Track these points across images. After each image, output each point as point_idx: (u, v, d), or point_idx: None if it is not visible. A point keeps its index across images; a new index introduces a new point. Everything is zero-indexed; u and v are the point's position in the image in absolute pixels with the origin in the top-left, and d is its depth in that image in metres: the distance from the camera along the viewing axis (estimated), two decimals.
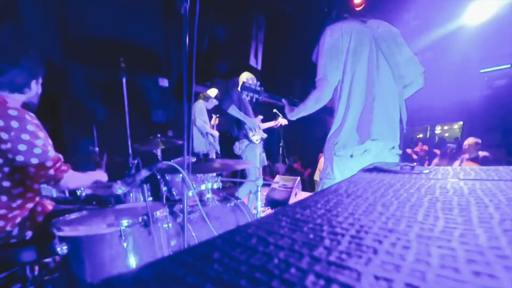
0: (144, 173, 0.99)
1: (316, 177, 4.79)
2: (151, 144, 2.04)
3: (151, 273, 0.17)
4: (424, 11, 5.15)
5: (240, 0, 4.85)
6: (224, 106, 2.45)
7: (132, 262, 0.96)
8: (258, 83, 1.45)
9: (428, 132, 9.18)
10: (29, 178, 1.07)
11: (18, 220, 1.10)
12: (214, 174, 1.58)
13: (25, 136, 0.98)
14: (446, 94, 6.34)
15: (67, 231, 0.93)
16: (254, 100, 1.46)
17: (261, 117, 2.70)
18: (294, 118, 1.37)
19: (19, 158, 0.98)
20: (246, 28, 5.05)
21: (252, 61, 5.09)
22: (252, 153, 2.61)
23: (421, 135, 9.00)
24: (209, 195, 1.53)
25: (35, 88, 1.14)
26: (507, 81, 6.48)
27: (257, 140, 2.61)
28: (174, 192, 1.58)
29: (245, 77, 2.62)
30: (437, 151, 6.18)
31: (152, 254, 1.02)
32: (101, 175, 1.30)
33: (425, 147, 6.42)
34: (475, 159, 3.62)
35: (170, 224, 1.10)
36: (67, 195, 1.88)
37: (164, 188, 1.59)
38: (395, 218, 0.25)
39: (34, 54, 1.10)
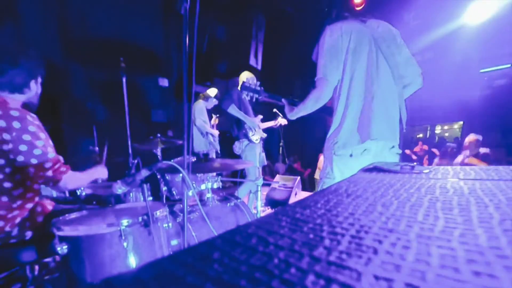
0: (144, 173, 0.99)
1: (317, 175, 4.80)
2: (151, 144, 2.04)
3: (151, 273, 0.17)
4: (424, 11, 5.15)
5: (240, 0, 4.85)
6: (224, 105, 2.44)
7: (132, 262, 0.96)
8: (258, 83, 1.45)
9: (428, 132, 9.19)
10: (29, 178, 1.07)
11: (18, 220, 1.09)
12: (214, 173, 1.58)
13: (26, 137, 0.99)
14: (446, 94, 6.35)
15: (67, 231, 0.93)
16: (254, 99, 1.46)
17: (260, 116, 2.70)
18: (294, 118, 1.38)
19: (20, 158, 0.99)
20: (246, 28, 5.05)
21: (252, 61, 5.09)
22: (252, 153, 2.61)
23: (421, 135, 9.01)
24: (209, 195, 1.54)
25: (35, 88, 1.14)
26: (507, 81, 6.48)
27: (256, 140, 2.61)
28: (174, 192, 1.58)
29: (245, 76, 2.62)
30: (436, 151, 6.19)
31: (152, 254, 1.02)
32: (101, 172, 1.29)
33: (425, 147, 6.42)
34: (476, 156, 3.64)
35: (170, 224, 1.10)
36: (67, 195, 1.88)
37: (164, 188, 1.59)
38: (395, 218, 0.25)
39: (33, 54, 1.10)
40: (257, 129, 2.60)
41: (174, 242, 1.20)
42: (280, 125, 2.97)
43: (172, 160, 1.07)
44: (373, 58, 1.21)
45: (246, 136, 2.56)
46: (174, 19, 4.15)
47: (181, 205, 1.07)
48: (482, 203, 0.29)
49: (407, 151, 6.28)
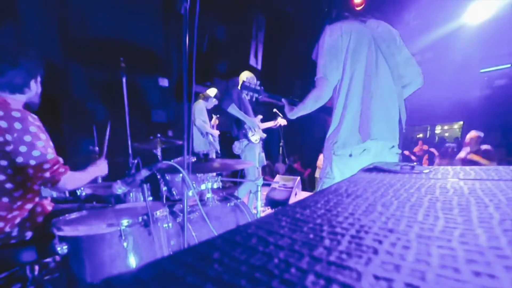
0: (144, 173, 0.99)
1: (317, 174, 4.80)
2: (151, 144, 2.04)
3: (151, 273, 0.17)
4: (424, 11, 5.15)
5: (240, 0, 4.85)
6: (224, 105, 2.44)
7: (132, 262, 0.96)
8: (258, 82, 1.45)
9: (428, 132, 9.19)
10: (29, 179, 1.08)
11: (18, 220, 1.10)
12: (214, 174, 1.58)
13: (27, 138, 0.99)
14: (446, 94, 6.35)
15: (67, 231, 0.93)
16: (254, 99, 1.46)
17: (260, 117, 2.70)
18: (294, 117, 1.38)
19: (19, 159, 0.99)
20: (246, 28, 5.05)
21: (252, 61, 5.09)
22: (252, 153, 2.61)
23: (421, 135, 9.01)
24: (209, 195, 1.53)
25: (35, 88, 1.14)
26: (507, 81, 6.48)
27: (256, 140, 2.60)
28: (174, 192, 1.58)
29: (245, 76, 2.62)
30: (434, 151, 6.19)
31: (152, 254, 1.02)
32: (101, 168, 1.29)
33: (425, 147, 6.42)
34: (476, 152, 3.65)
35: (170, 224, 1.10)
36: (67, 195, 1.88)
37: (164, 188, 1.59)
38: (395, 218, 0.25)
39: (33, 54, 1.10)
40: (256, 129, 2.60)
41: (174, 242, 1.20)
42: (280, 125, 2.96)
43: (172, 160, 1.07)
44: (372, 58, 1.21)
45: (245, 136, 2.56)
46: (174, 19, 4.15)
47: (181, 205, 1.07)
48: (482, 203, 0.29)
49: (406, 152, 6.28)
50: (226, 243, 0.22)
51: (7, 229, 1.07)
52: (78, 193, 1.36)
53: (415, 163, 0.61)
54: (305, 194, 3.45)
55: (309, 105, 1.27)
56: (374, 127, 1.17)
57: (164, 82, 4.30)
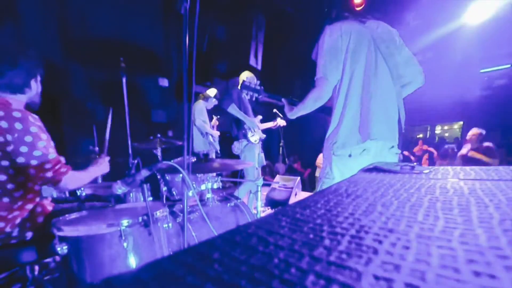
0: (144, 173, 0.99)
1: (317, 173, 4.81)
2: (151, 144, 2.04)
3: (151, 273, 0.17)
4: (424, 11, 5.15)
5: (240, 0, 4.85)
6: (224, 105, 2.44)
7: (132, 262, 0.96)
8: (258, 82, 1.45)
9: (428, 132, 9.19)
10: (30, 180, 1.08)
11: (18, 221, 1.10)
12: (214, 174, 1.58)
13: (28, 138, 0.99)
14: (446, 94, 6.34)
15: (67, 231, 0.93)
16: (253, 99, 1.46)
17: (260, 117, 2.70)
18: (293, 117, 1.38)
19: (20, 160, 0.99)
20: (246, 28, 5.05)
21: (252, 61, 5.09)
22: (251, 153, 2.60)
23: (421, 135, 9.01)
24: (209, 195, 1.53)
25: (35, 87, 1.14)
26: (507, 81, 6.48)
27: (255, 140, 2.60)
28: (174, 192, 1.58)
29: (245, 76, 2.62)
30: (433, 150, 6.20)
31: (152, 254, 1.02)
32: (102, 167, 1.29)
33: (425, 147, 6.42)
34: (477, 149, 3.66)
35: (170, 224, 1.10)
36: (67, 195, 1.88)
37: (164, 188, 1.59)
38: (395, 218, 0.25)
39: (32, 54, 1.11)
40: (256, 129, 2.59)
41: (174, 242, 1.20)
42: (279, 126, 2.96)
43: (172, 160, 1.07)
44: (372, 59, 1.22)
45: (245, 136, 2.55)
46: (174, 19, 4.15)
47: (181, 205, 1.07)
48: (482, 203, 0.29)
49: (406, 153, 6.29)
50: (226, 243, 0.22)
51: (8, 229, 1.07)
52: (78, 193, 1.36)
53: (415, 163, 0.61)
54: (305, 194, 3.45)
55: (309, 105, 1.27)
56: (374, 127, 1.17)
57: (164, 82, 4.30)
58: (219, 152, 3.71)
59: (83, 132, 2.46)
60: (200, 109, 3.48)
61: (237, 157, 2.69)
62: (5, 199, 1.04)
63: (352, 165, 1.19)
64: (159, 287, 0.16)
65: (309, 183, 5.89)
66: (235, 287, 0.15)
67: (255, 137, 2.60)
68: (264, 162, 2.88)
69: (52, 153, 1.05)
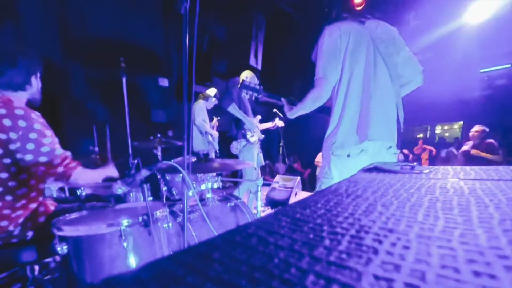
0: (144, 173, 0.99)
1: (317, 172, 4.80)
2: (151, 144, 2.04)
3: (151, 273, 0.17)
4: (424, 11, 5.15)
5: (240, 0, 4.85)
6: (224, 104, 2.43)
7: (132, 262, 0.96)
8: (258, 82, 1.45)
9: (428, 132, 9.19)
10: (35, 177, 1.08)
11: (21, 220, 1.10)
12: (214, 174, 1.58)
13: (33, 135, 1.00)
14: (446, 94, 6.34)
15: (67, 231, 0.93)
16: (253, 98, 1.46)
17: (259, 117, 2.69)
18: (293, 117, 1.38)
19: (28, 157, 0.99)
20: (246, 28, 5.05)
21: (252, 61, 5.09)
22: (250, 154, 2.60)
23: (421, 135, 9.01)
24: (209, 195, 1.53)
25: (36, 83, 1.15)
26: (507, 81, 6.48)
27: (254, 140, 2.60)
28: (174, 192, 1.58)
29: (246, 75, 2.61)
30: (431, 147, 6.20)
31: (152, 254, 1.02)
32: (111, 171, 1.30)
33: (425, 146, 6.43)
34: (479, 146, 3.66)
35: (170, 224, 1.10)
36: (68, 194, 1.88)
37: (164, 188, 1.59)
38: (395, 218, 0.25)
39: (31, 52, 1.11)
40: (255, 130, 2.59)
41: (174, 242, 1.20)
42: (278, 126, 2.96)
43: (172, 160, 1.08)
44: (370, 59, 1.22)
45: (244, 136, 2.55)
46: (174, 19, 4.15)
47: (181, 205, 1.07)
48: (482, 203, 0.29)
49: (405, 151, 6.31)
50: (226, 243, 0.22)
51: (11, 228, 1.07)
52: (78, 193, 1.36)
53: (415, 163, 0.61)
54: (305, 194, 3.45)
55: (308, 105, 1.27)
56: (372, 128, 1.17)
57: (164, 82, 4.30)
58: (218, 151, 3.71)
59: (83, 132, 2.46)
60: (200, 108, 3.48)
61: (235, 157, 2.68)
62: (8, 197, 1.04)
63: (350, 165, 1.20)
64: (159, 287, 0.16)
65: (309, 183, 5.90)
66: (235, 287, 0.15)
67: (254, 137, 2.59)
68: (263, 162, 2.88)
69: (59, 149, 1.07)
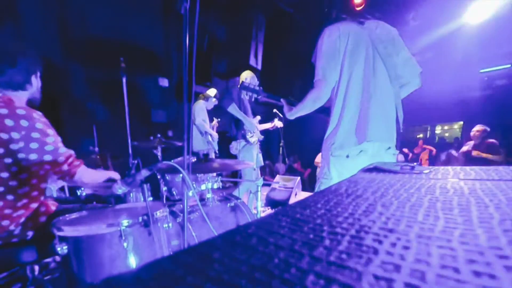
0: (144, 173, 0.99)
1: (318, 172, 4.80)
2: (151, 144, 2.04)
3: (151, 273, 0.17)
4: (424, 11, 5.15)
5: (240, 0, 4.85)
6: (225, 104, 2.43)
7: (132, 262, 0.96)
8: (257, 83, 1.45)
9: (428, 132, 9.19)
10: (36, 176, 1.08)
11: (22, 219, 1.10)
12: (214, 174, 1.58)
13: (35, 134, 1.00)
14: (446, 94, 6.34)
15: (67, 231, 0.93)
16: (253, 99, 1.47)
17: (258, 117, 2.69)
18: (292, 118, 1.38)
19: (33, 156, 1.00)
20: (246, 28, 5.05)
21: (252, 61, 5.09)
22: (249, 154, 2.60)
23: (421, 135, 9.01)
24: (209, 195, 1.53)
25: (36, 83, 1.16)
26: (507, 81, 6.48)
27: (254, 141, 2.60)
28: (174, 192, 1.58)
29: (246, 75, 2.61)
30: (430, 147, 6.20)
31: (152, 254, 1.02)
32: (114, 174, 1.32)
33: (425, 146, 6.43)
34: (480, 145, 3.66)
35: (170, 224, 1.10)
36: (68, 195, 1.88)
37: (164, 188, 1.59)
38: (395, 218, 0.25)
39: (30, 52, 1.11)
40: (255, 130, 2.59)
41: (174, 242, 1.20)
42: (276, 127, 2.96)
43: (172, 160, 1.08)
44: (369, 60, 1.22)
45: (244, 136, 2.55)
46: (174, 19, 4.15)
47: (181, 205, 1.07)
48: (482, 203, 0.29)
49: (405, 150, 6.31)
50: (226, 243, 0.22)
51: (12, 227, 1.07)
52: (79, 193, 1.36)
53: (415, 163, 0.61)
54: (305, 194, 3.45)
55: (307, 106, 1.28)
56: (371, 129, 1.18)
57: (164, 82, 4.30)
58: (217, 152, 3.71)
59: (83, 132, 2.46)
60: (200, 108, 3.49)
61: (235, 157, 2.68)
62: (9, 197, 1.04)
63: (349, 166, 1.20)
64: (159, 287, 0.16)
65: (309, 183, 5.89)
66: (235, 287, 0.15)
67: (254, 138, 2.59)
68: (262, 163, 2.88)
69: (62, 147, 1.08)
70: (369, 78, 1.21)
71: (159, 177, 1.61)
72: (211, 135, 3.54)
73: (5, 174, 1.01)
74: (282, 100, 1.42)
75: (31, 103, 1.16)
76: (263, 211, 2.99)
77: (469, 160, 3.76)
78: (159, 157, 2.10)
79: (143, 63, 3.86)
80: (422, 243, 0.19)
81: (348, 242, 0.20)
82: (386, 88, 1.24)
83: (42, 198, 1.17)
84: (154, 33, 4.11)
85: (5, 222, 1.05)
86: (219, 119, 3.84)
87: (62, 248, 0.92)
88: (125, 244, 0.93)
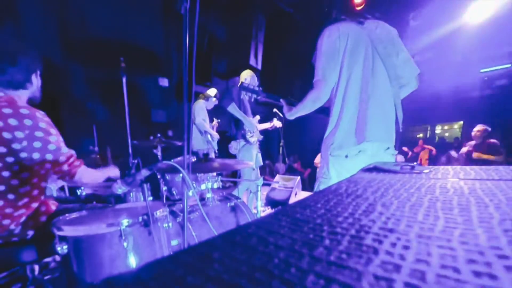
0: (144, 172, 0.99)
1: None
2: (151, 144, 2.04)
3: (151, 273, 0.17)
4: (425, 11, 5.15)
5: (240, 0, 4.85)
6: (225, 103, 2.43)
7: (132, 262, 0.96)
8: (257, 83, 1.45)
9: (428, 132, 9.20)
10: (37, 176, 1.08)
11: (23, 219, 1.10)
12: (214, 173, 1.58)
13: (39, 133, 1.01)
14: (446, 94, 6.35)
15: (67, 231, 0.93)
16: (252, 100, 1.47)
17: (258, 117, 2.69)
18: (292, 118, 1.38)
19: (36, 155, 1.00)
20: (246, 28, 5.05)
21: (252, 61, 5.09)
22: (248, 154, 2.60)
23: (421, 135, 9.02)
24: (209, 195, 1.53)
25: (36, 81, 1.16)
26: (507, 81, 6.48)
27: (254, 141, 2.60)
28: (174, 192, 1.58)
29: (246, 75, 2.61)
30: (430, 147, 6.20)
31: (152, 254, 1.02)
32: (114, 171, 1.32)
33: (425, 146, 6.43)
34: (481, 145, 3.65)
35: (170, 224, 1.10)
36: (68, 194, 1.88)
37: (164, 188, 1.59)
38: (395, 218, 0.25)
39: (30, 51, 1.12)
40: (255, 130, 2.59)
41: (174, 242, 1.20)
42: (275, 127, 2.96)
43: (172, 160, 1.08)
44: (369, 60, 1.22)
45: (243, 136, 2.55)
46: (174, 19, 4.15)
47: (181, 205, 1.07)
48: (482, 203, 0.29)
49: (405, 148, 6.32)
50: (226, 243, 0.22)
51: (12, 226, 1.07)
52: (79, 193, 1.36)
53: (415, 163, 0.61)
54: (305, 194, 3.45)
55: (307, 106, 1.28)
56: (370, 129, 1.18)
57: (164, 82, 4.30)
58: (216, 151, 3.72)
59: (83, 132, 2.46)
60: (200, 107, 3.49)
61: (234, 157, 2.68)
62: (10, 196, 1.04)
63: (348, 166, 1.20)
64: (159, 287, 0.16)
65: (309, 183, 5.89)
66: (235, 287, 0.15)
67: (254, 138, 2.59)
68: (261, 163, 2.88)
69: (64, 147, 1.08)
70: (368, 78, 1.21)
71: (159, 176, 1.61)
72: (210, 134, 3.54)
73: (6, 173, 1.02)
74: (281, 100, 1.42)
75: (31, 102, 1.16)
76: (263, 211, 2.99)
77: (469, 161, 3.76)
78: (159, 156, 2.10)
79: (143, 63, 3.86)
80: (422, 243, 0.19)
81: (348, 242, 0.20)
82: (385, 88, 1.24)
83: (42, 197, 1.17)
84: (154, 33, 4.11)
85: (6, 221, 1.05)
86: (219, 120, 3.84)
87: (62, 248, 0.92)
88: (125, 244, 0.93)
